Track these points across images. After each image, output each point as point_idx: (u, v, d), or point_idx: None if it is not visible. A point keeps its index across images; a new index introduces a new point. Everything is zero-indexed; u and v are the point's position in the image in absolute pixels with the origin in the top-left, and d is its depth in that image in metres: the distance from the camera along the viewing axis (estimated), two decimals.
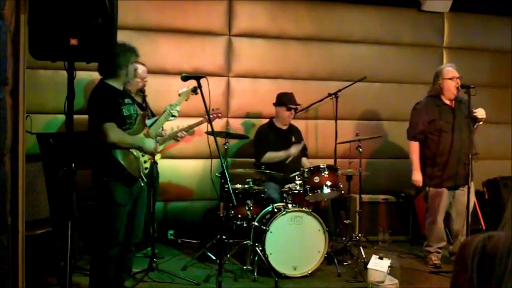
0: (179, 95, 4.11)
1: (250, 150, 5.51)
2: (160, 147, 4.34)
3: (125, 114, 3.49)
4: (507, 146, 6.30)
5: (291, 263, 4.44)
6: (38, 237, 3.96)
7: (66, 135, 2.89)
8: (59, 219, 4.10)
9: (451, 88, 4.74)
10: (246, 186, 4.76)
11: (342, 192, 4.82)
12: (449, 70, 4.80)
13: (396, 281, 4.03)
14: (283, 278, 4.34)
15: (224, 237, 4.18)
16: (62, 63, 2.66)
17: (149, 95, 4.83)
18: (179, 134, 4.78)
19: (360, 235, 4.94)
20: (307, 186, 4.65)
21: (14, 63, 2.71)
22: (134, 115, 3.58)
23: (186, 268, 4.59)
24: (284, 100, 5.25)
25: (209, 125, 3.50)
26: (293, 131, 5.46)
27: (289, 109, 5.24)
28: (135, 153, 3.52)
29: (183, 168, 5.64)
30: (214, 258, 4.64)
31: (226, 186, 3.37)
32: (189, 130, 4.88)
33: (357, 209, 5.25)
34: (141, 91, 4.70)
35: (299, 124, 5.63)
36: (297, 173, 4.86)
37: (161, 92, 5.20)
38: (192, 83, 3.48)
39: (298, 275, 4.44)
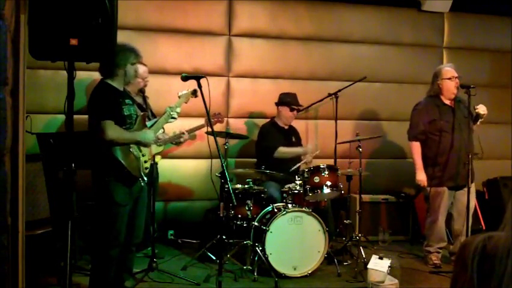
0: (179, 97, 4.11)
1: (251, 150, 5.51)
2: (160, 148, 4.33)
3: (125, 114, 3.49)
4: (507, 146, 6.30)
5: (291, 263, 4.44)
6: (38, 237, 3.96)
7: (66, 135, 2.90)
8: (59, 219, 4.10)
9: (450, 88, 4.74)
10: (246, 186, 4.76)
11: (342, 192, 4.81)
12: (448, 70, 4.80)
13: (396, 281, 4.03)
14: (283, 278, 4.34)
15: (224, 237, 4.18)
16: (62, 63, 2.66)
17: (150, 95, 4.83)
18: (181, 138, 4.76)
19: (360, 235, 4.94)
20: (307, 186, 4.65)
21: (14, 63, 2.71)
22: (134, 115, 3.58)
23: (186, 268, 4.59)
24: (288, 100, 5.26)
25: (209, 125, 3.50)
26: (293, 131, 5.48)
27: (292, 110, 5.25)
28: (135, 153, 3.52)
29: (183, 168, 5.64)
30: (214, 258, 4.64)
31: (226, 186, 3.37)
32: (190, 133, 4.87)
33: (357, 209, 5.26)
34: (141, 91, 4.69)
35: (299, 124, 5.64)
36: (300, 163, 4.91)
37: (162, 92, 5.20)
38: (192, 83, 3.47)
39: (298, 275, 4.44)
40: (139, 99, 4.61)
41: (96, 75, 3.65)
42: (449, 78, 4.74)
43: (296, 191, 4.74)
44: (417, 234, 5.73)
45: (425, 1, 6.19)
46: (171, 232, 5.53)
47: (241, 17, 5.77)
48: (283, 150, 5.12)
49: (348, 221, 5.16)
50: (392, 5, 6.23)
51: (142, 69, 4.50)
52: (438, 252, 4.83)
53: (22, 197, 2.80)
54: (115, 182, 3.41)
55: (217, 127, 5.19)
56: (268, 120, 5.50)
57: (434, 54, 6.37)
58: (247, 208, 4.65)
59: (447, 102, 4.81)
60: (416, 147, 4.83)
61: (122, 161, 3.39)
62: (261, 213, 4.64)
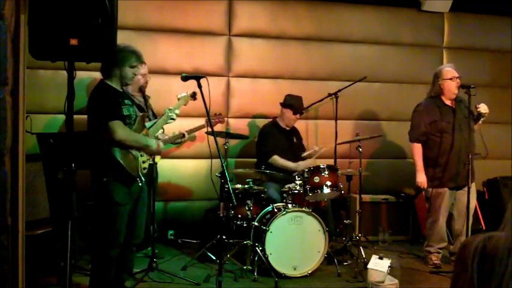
0: (178, 99, 4.11)
1: (252, 150, 5.51)
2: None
3: (125, 114, 3.49)
4: (507, 146, 6.29)
5: (291, 263, 4.44)
6: (38, 237, 3.96)
7: (66, 135, 2.90)
8: (59, 219, 4.09)
9: (451, 88, 4.74)
10: (246, 186, 4.76)
11: (342, 192, 4.81)
12: (449, 70, 4.80)
13: (396, 281, 4.03)
14: (283, 278, 4.34)
15: (224, 237, 4.18)
16: (62, 63, 2.66)
17: (149, 95, 4.82)
18: (180, 139, 4.76)
19: (360, 235, 4.94)
20: (307, 186, 4.65)
21: (14, 63, 2.71)
22: (133, 116, 3.58)
23: (186, 268, 4.59)
24: (292, 103, 5.26)
25: (209, 125, 3.51)
26: (294, 131, 5.47)
27: (295, 113, 5.26)
28: (134, 153, 3.52)
29: (183, 168, 5.64)
30: (214, 258, 4.64)
31: (226, 186, 3.37)
32: (190, 134, 4.86)
33: (357, 209, 5.26)
34: (141, 90, 4.69)
35: (299, 124, 5.63)
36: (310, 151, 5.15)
37: (162, 92, 5.19)
38: (192, 83, 3.47)
39: (298, 275, 4.44)
40: (139, 99, 4.61)
41: (96, 75, 3.65)
42: (450, 79, 4.74)
43: (296, 191, 4.74)
44: (418, 234, 5.73)
45: (425, 1, 6.19)
46: (171, 232, 5.53)
47: (241, 17, 5.77)
48: (277, 160, 5.13)
49: (348, 221, 5.16)
50: (392, 5, 6.23)
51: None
52: (439, 253, 4.83)
53: (22, 197, 2.80)
54: (114, 182, 3.41)
55: (217, 127, 5.19)
56: (269, 120, 5.50)
57: (434, 54, 6.36)
58: (247, 208, 4.65)
59: (448, 102, 4.81)
60: (417, 149, 4.82)
61: (120, 161, 3.39)
62: (261, 213, 4.63)
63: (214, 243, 4.63)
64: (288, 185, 4.84)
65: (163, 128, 4.31)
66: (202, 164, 5.52)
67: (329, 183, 4.65)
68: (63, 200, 3.06)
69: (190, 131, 4.83)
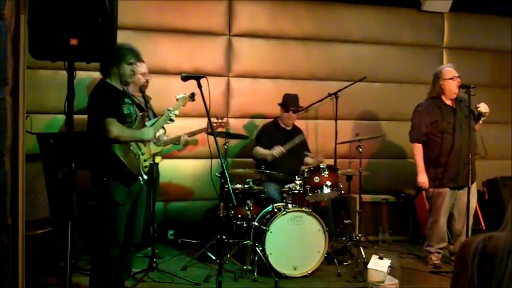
0: (177, 99, 4.10)
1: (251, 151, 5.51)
2: (159, 149, 4.32)
3: (125, 112, 3.49)
4: (507, 146, 6.30)
5: (291, 263, 4.44)
6: (38, 237, 3.96)
7: (66, 135, 2.90)
8: (59, 219, 4.10)
9: (452, 88, 4.74)
10: (246, 186, 4.76)
11: (342, 192, 4.81)
12: (449, 70, 4.79)
13: (396, 281, 4.03)
14: (283, 278, 4.34)
15: (224, 237, 4.17)
16: (62, 63, 2.66)
17: (149, 95, 4.82)
18: (179, 140, 4.76)
19: (360, 235, 4.94)
20: (307, 186, 4.65)
21: (14, 63, 2.71)
22: (133, 115, 3.59)
23: (186, 268, 4.59)
24: (285, 101, 5.26)
25: (209, 125, 3.51)
26: (296, 131, 5.42)
27: (287, 111, 5.24)
28: (135, 151, 3.53)
29: (183, 168, 5.65)
30: (214, 258, 4.64)
31: (226, 186, 3.37)
32: (191, 136, 4.86)
33: (357, 209, 5.26)
34: (141, 90, 4.68)
35: (299, 124, 5.63)
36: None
37: (162, 92, 5.19)
38: (192, 83, 3.46)
39: (298, 275, 4.44)
40: (139, 99, 4.60)
41: (96, 75, 3.65)
42: (451, 78, 4.73)
43: (296, 191, 4.74)
44: (418, 234, 5.73)
45: (425, 1, 6.19)
46: (171, 232, 5.53)
47: (241, 17, 5.77)
48: (258, 151, 5.18)
49: (348, 221, 5.16)
50: (392, 5, 6.23)
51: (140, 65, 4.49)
52: (439, 253, 4.83)
53: (22, 197, 2.80)
54: (113, 182, 3.41)
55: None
56: (270, 120, 5.50)
57: (434, 54, 6.36)
58: (247, 208, 4.65)
59: (448, 102, 4.80)
60: (418, 149, 4.82)
61: (122, 159, 3.40)
62: (261, 213, 4.64)
63: (214, 243, 4.62)
64: (288, 185, 4.84)
65: (164, 129, 4.32)
66: (202, 164, 5.52)
67: (329, 183, 4.65)
68: (63, 200, 3.06)
69: (191, 134, 4.83)
